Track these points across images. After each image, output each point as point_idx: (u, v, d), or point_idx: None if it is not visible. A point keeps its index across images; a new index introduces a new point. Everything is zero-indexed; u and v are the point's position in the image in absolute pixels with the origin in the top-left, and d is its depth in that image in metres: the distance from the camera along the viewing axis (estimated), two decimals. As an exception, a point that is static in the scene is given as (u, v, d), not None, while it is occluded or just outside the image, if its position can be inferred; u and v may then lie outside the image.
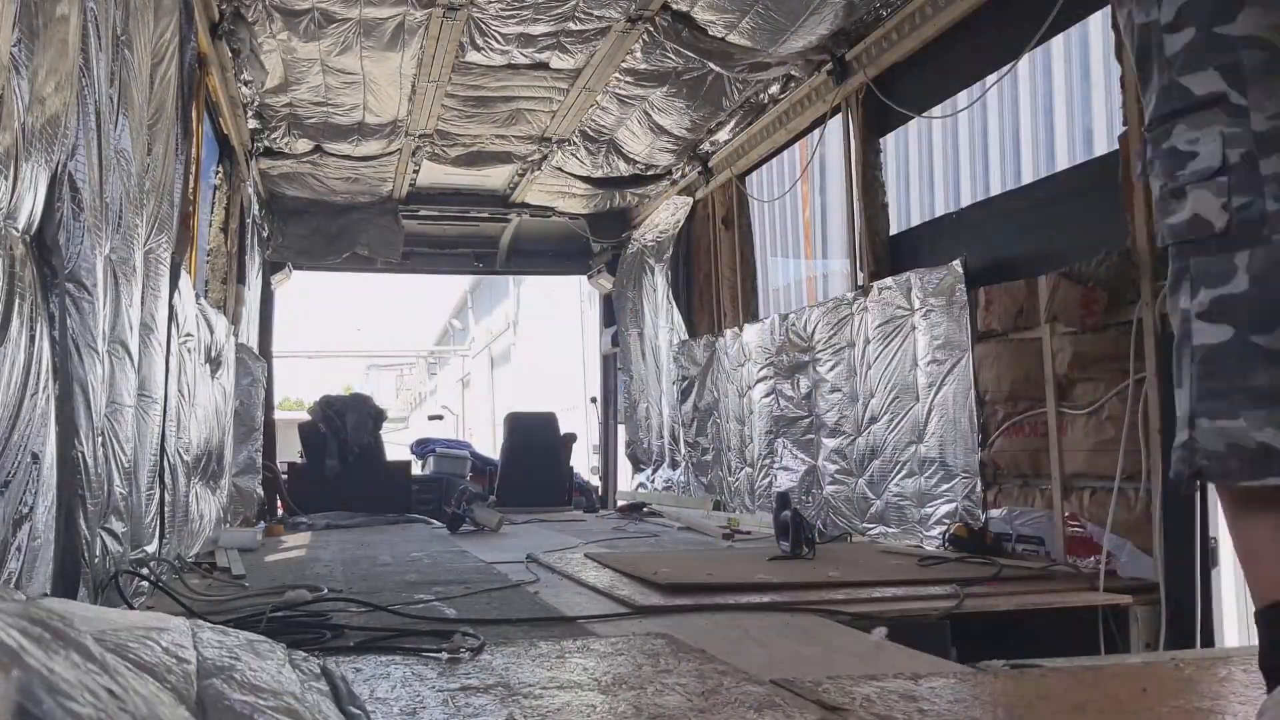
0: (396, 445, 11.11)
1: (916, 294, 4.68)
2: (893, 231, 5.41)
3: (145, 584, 3.07)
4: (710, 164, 7.30)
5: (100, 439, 2.65)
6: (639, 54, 5.59)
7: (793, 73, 5.77)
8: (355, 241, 8.52)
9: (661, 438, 8.37)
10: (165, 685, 1.00)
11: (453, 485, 9.01)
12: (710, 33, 5.28)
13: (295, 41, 5.33)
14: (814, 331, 5.65)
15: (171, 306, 3.67)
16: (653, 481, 8.46)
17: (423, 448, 10.27)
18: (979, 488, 4.26)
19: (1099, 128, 5.37)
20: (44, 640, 0.79)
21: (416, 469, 9.47)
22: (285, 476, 8.09)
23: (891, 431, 4.87)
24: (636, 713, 1.80)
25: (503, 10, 5.07)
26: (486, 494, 6.25)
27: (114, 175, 2.75)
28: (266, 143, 6.97)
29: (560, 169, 7.68)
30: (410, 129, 6.79)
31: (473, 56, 5.62)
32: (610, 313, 9.54)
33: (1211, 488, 3.25)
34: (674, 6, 5.07)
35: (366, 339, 35.42)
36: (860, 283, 5.34)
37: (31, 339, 2.03)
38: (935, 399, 4.54)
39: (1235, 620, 4.55)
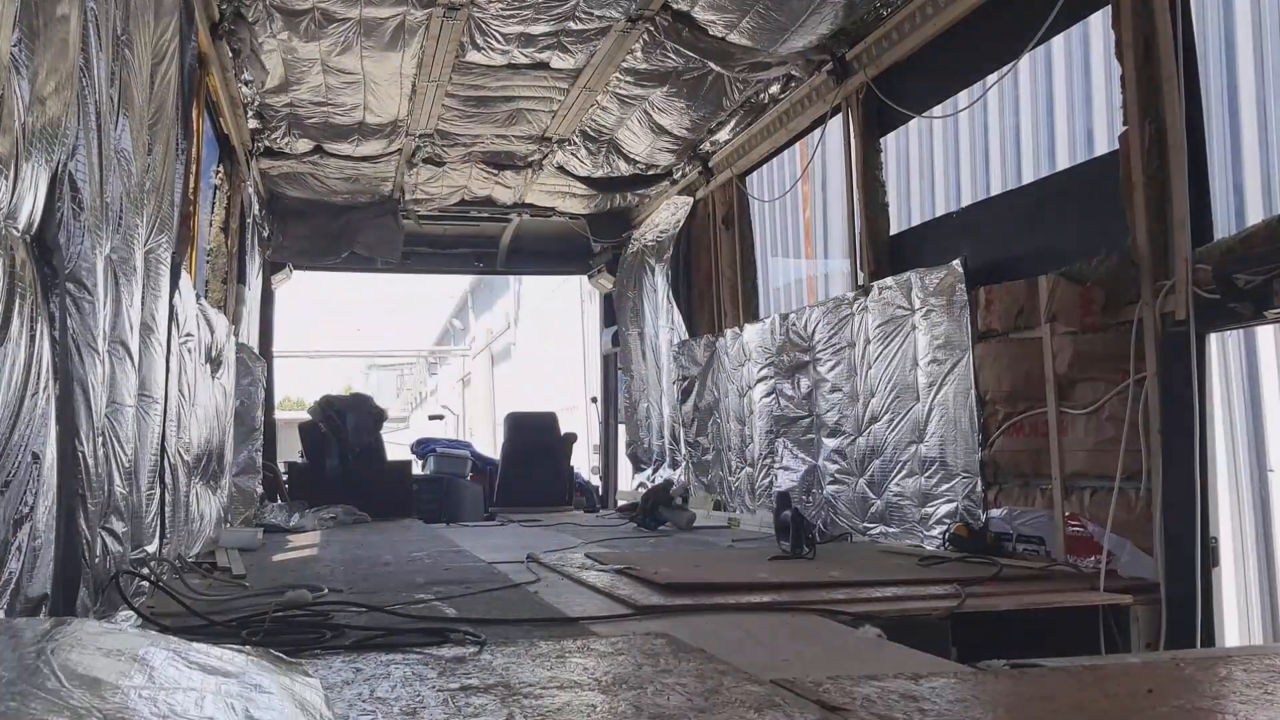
0: (397, 445, 11.11)
1: (917, 294, 4.67)
2: (893, 231, 5.41)
3: (145, 584, 3.07)
4: (710, 164, 7.30)
5: (101, 439, 2.65)
6: (639, 54, 5.59)
7: (793, 73, 5.77)
8: (355, 241, 8.52)
9: (662, 437, 8.37)
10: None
11: (453, 485, 9.01)
12: (710, 33, 5.27)
13: (295, 41, 5.33)
14: (814, 331, 5.65)
15: (172, 306, 3.67)
16: (653, 481, 8.46)
17: (423, 448, 10.27)
18: (979, 487, 4.26)
19: (1099, 128, 5.37)
20: None
21: (417, 469, 9.47)
22: (285, 476, 8.09)
23: (892, 431, 4.87)
24: (636, 712, 1.80)
25: (503, 10, 5.06)
26: (666, 490, 6.33)
27: (114, 175, 2.75)
28: (267, 143, 6.97)
29: (561, 169, 7.68)
30: (410, 129, 6.79)
31: (473, 56, 5.62)
32: (610, 312, 9.54)
33: (1212, 487, 3.26)
34: (674, 6, 5.07)
35: (366, 339, 35.43)
36: (860, 282, 5.34)
37: (32, 339, 2.03)
38: (935, 399, 4.54)
39: (1235, 620, 4.55)
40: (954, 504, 4.41)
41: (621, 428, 9.41)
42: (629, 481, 9.34)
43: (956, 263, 4.39)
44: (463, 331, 27.07)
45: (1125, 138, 3.55)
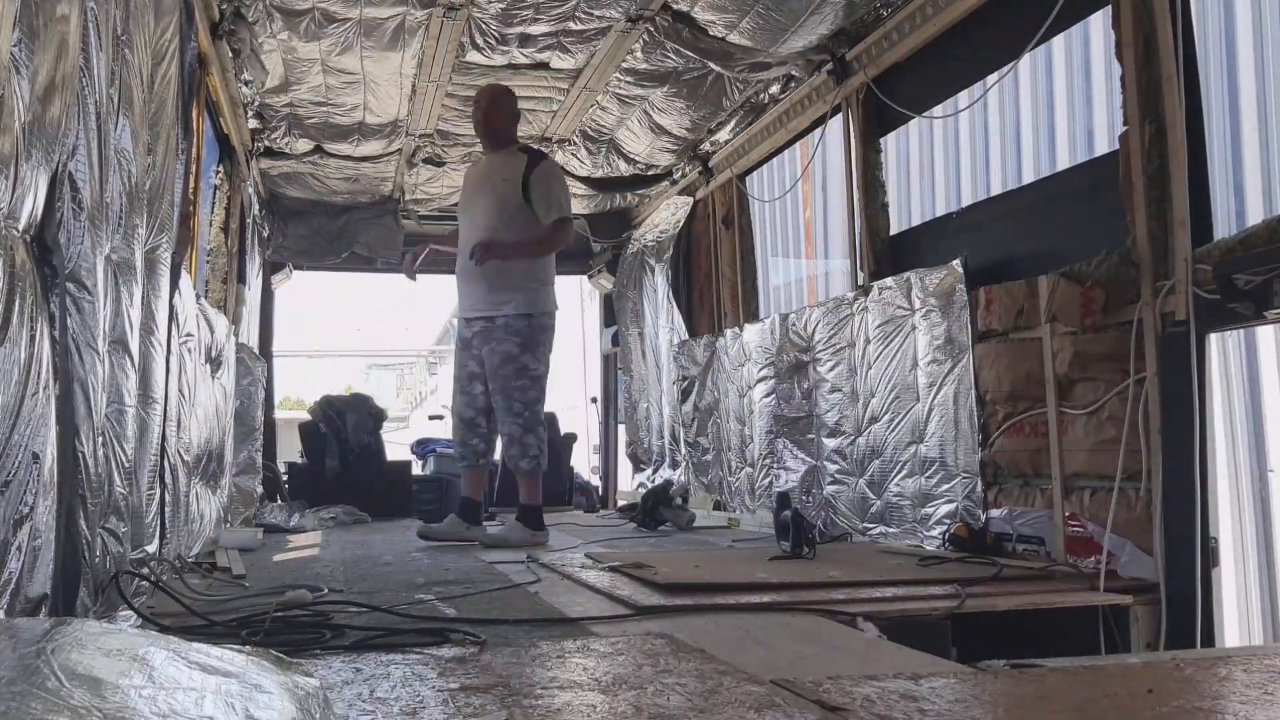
0: (397, 445, 11.11)
1: (917, 294, 4.67)
2: (893, 231, 5.41)
3: (145, 584, 3.07)
4: (710, 164, 7.30)
5: (101, 439, 2.65)
6: (639, 54, 5.59)
7: (793, 73, 5.77)
8: (355, 241, 8.52)
9: (662, 438, 8.37)
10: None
11: (453, 485, 8.99)
12: (710, 33, 5.28)
13: (296, 41, 5.33)
14: (814, 331, 5.65)
15: (172, 306, 3.67)
16: (653, 481, 8.46)
17: (423, 448, 10.25)
18: (979, 488, 4.26)
19: (1099, 128, 5.37)
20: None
21: (416, 469, 9.46)
22: (285, 476, 8.09)
23: (892, 431, 4.87)
24: (637, 713, 1.80)
25: (503, 10, 5.07)
26: (666, 490, 6.33)
27: (114, 175, 2.75)
28: (267, 143, 6.97)
29: (561, 169, 7.67)
30: (410, 129, 6.79)
31: (473, 56, 5.62)
32: (610, 312, 9.54)
33: (1212, 487, 3.26)
34: (674, 6, 5.07)
35: (366, 339, 35.38)
36: (860, 283, 5.34)
37: (32, 339, 2.03)
38: (935, 399, 4.54)
39: (1235, 620, 4.56)
40: (954, 504, 4.41)
41: (621, 428, 9.40)
42: (629, 481, 9.33)
43: (956, 263, 4.39)
44: (463, 331, 27.02)
45: (1125, 138, 3.55)
